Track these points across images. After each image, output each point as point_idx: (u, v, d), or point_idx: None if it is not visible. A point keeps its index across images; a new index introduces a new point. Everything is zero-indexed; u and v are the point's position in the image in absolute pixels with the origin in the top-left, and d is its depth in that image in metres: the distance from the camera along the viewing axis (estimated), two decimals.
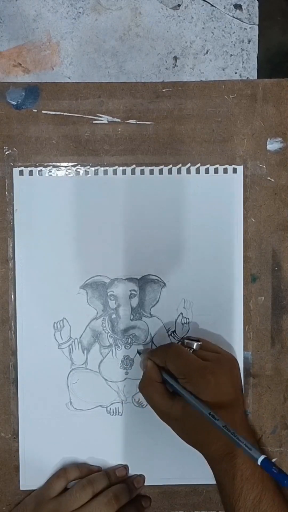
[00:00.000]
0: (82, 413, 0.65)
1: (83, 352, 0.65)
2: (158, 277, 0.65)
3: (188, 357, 0.59)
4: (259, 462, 0.51)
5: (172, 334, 0.66)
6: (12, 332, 0.65)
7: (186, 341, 0.61)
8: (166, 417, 0.60)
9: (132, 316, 0.65)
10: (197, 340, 0.61)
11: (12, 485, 0.65)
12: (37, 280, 0.65)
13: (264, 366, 0.66)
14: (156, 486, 0.65)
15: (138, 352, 0.65)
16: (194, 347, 0.60)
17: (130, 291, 0.65)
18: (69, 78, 0.65)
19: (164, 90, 0.65)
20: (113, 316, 0.65)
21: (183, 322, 0.66)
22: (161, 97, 0.65)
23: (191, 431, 0.58)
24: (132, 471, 0.65)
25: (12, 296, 0.64)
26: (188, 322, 0.66)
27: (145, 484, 0.65)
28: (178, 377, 0.58)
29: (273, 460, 0.66)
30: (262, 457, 0.51)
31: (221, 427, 0.54)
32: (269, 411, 0.66)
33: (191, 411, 0.56)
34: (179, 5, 0.65)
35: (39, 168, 0.64)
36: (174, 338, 0.66)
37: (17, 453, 0.65)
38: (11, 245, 0.64)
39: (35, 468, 0.65)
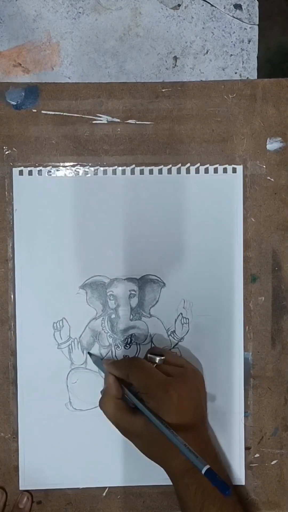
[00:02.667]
0: (82, 413, 0.65)
1: (83, 352, 0.65)
2: (158, 277, 0.65)
3: (151, 372, 0.59)
4: (203, 472, 0.52)
5: (172, 334, 0.65)
6: (12, 332, 0.65)
7: (149, 355, 0.61)
8: (127, 434, 0.60)
9: (131, 316, 0.65)
10: (161, 355, 0.61)
11: (11, 485, 0.65)
12: (36, 280, 0.65)
13: (265, 367, 0.66)
14: (156, 486, 0.65)
15: (89, 354, 0.65)
16: (157, 361, 0.60)
17: (129, 291, 0.65)
18: (69, 78, 0.65)
19: (163, 90, 0.65)
20: (113, 316, 0.65)
21: (182, 322, 0.65)
22: (161, 97, 0.65)
23: (153, 447, 0.58)
24: (132, 471, 0.65)
25: (12, 296, 0.64)
26: (188, 323, 0.65)
27: (145, 484, 0.65)
28: (140, 392, 0.58)
29: (274, 462, 0.66)
30: (206, 467, 0.52)
31: (175, 440, 0.54)
32: (270, 413, 0.66)
33: (152, 427, 0.56)
34: (179, 5, 0.65)
35: (38, 168, 0.64)
36: (174, 338, 0.65)
37: (17, 453, 0.65)
38: (10, 245, 0.64)
39: (34, 468, 0.65)
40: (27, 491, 0.65)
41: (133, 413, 0.59)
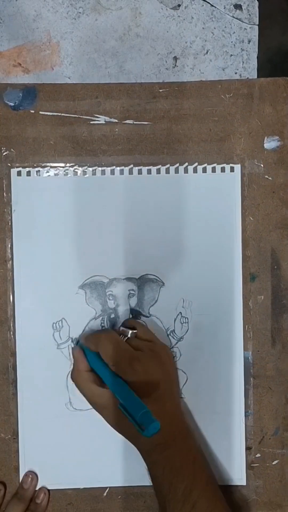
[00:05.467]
0: (82, 413, 0.65)
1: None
2: (157, 276, 0.65)
3: (119, 344, 0.59)
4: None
5: (171, 334, 0.65)
6: (11, 332, 0.65)
7: (121, 328, 0.62)
8: (96, 406, 0.61)
9: (131, 316, 0.65)
10: (133, 328, 0.62)
11: (12, 486, 0.65)
12: (35, 281, 0.65)
13: (265, 366, 0.66)
14: None
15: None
16: (129, 335, 0.61)
17: (128, 290, 0.65)
18: (69, 78, 0.65)
19: (161, 90, 0.65)
20: (112, 316, 0.65)
21: (182, 322, 0.65)
22: (158, 97, 0.65)
23: (120, 420, 0.58)
24: (132, 471, 0.65)
25: (11, 297, 0.65)
26: (187, 322, 0.65)
27: (146, 484, 0.65)
28: (108, 364, 0.59)
29: (275, 462, 0.66)
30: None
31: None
32: (271, 413, 0.66)
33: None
34: (179, 5, 0.65)
35: (36, 169, 0.65)
36: (174, 338, 0.65)
37: (17, 454, 0.65)
38: (9, 245, 0.65)
39: (34, 469, 0.65)
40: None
41: (101, 385, 0.60)
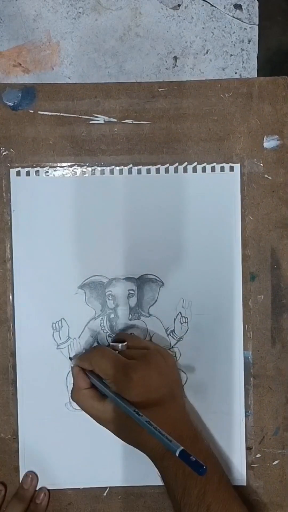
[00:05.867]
0: (82, 413, 0.64)
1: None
2: (156, 276, 0.65)
3: (112, 357, 0.59)
4: (177, 454, 0.51)
5: (171, 334, 0.65)
6: (11, 333, 0.65)
7: (111, 344, 0.62)
8: (100, 421, 0.60)
9: (130, 316, 0.65)
10: (123, 341, 0.62)
11: (12, 486, 0.65)
12: (35, 281, 0.65)
13: (265, 366, 0.66)
14: (157, 486, 0.64)
15: (70, 359, 0.65)
16: (120, 347, 0.61)
17: (128, 290, 0.65)
18: (69, 78, 0.65)
19: (160, 89, 0.65)
20: (112, 316, 0.65)
21: (182, 322, 0.65)
22: (157, 96, 0.65)
23: (127, 432, 0.59)
24: (132, 471, 0.65)
25: (10, 297, 0.65)
26: (187, 322, 0.65)
27: (146, 484, 0.65)
28: (104, 379, 0.59)
29: (275, 462, 0.65)
30: (180, 449, 0.51)
31: (141, 421, 0.54)
32: (271, 412, 0.66)
33: (121, 412, 0.57)
34: (179, 5, 0.65)
35: (36, 169, 0.65)
36: (173, 338, 0.65)
37: (17, 454, 0.65)
38: (8, 246, 0.65)
39: (35, 469, 0.65)
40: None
41: (102, 400, 0.60)
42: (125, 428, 0.58)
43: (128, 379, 0.57)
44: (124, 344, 0.62)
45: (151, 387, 0.58)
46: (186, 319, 0.65)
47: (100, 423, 0.61)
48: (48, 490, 0.65)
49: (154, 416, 0.55)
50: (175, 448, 0.51)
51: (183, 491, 0.56)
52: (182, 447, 0.51)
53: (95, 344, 0.65)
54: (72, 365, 0.64)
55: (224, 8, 0.66)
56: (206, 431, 0.65)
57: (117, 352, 0.61)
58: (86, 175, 0.65)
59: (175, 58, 0.66)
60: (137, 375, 0.58)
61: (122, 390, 0.57)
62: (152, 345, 0.64)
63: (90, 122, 0.65)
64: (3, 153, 0.64)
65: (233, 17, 0.66)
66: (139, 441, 0.58)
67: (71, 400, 0.64)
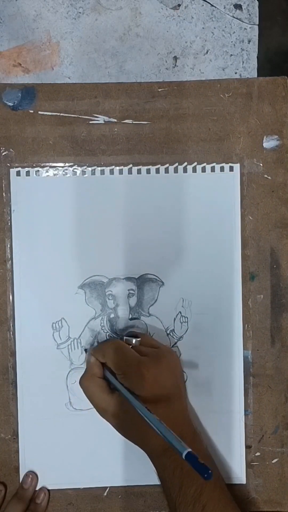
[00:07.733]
0: (82, 413, 0.65)
1: (82, 352, 0.65)
2: (156, 276, 0.65)
3: (126, 352, 0.60)
4: (183, 456, 0.50)
5: (171, 333, 0.65)
6: (11, 332, 0.65)
7: (125, 338, 0.62)
8: (104, 413, 0.60)
9: (130, 316, 0.65)
10: (136, 336, 0.62)
11: (12, 486, 0.65)
12: (35, 281, 0.65)
13: (264, 365, 0.66)
14: (157, 485, 0.64)
15: (85, 350, 0.65)
16: (133, 342, 0.61)
17: (128, 290, 0.65)
18: (69, 78, 0.65)
19: (159, 90, 0.65)
20: (112, 315, 0.65)
21: (181, 321, 0.65)
22: (157, 96, 0.65)
23: (129, 427, 0.59)
24: (132, 470, 0.65)
25: (10, 297, 0.65)
26: (187, 321, 0.65)
27: (146, 483, 0.65)
28: (116, 372, 0.59)
29: (275, 460, 0.66)
30: (187, 451, 0.50)
31: (148, 420, 0.54)
32: (270, 411, 0.66)
33: (128, 406, 0.57)
34: (179, 5, 0.65)
35: (36, 169, 0.64)
36: (173, 337, 0.65)
37: (17, 454, 0.65)
38: (8, 246, 0.64)
39: (35, 469, 0.65)
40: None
41: (110, 392, 0.60)
42: (127, 423, 0.59)
43: (140, 375, 0.57)
44: (138, 339, 0.61)
45: (161, 385, 0.59)
46: (186, 318, 0.65)
47: (102, 415, 0.61)
48: (48, 490, 0.65)
49: (159, 413, 0.55)
50: (182, 449, 0.51)
51: (179, 490, 0.56)
52: (189, 449, 0.50)
53: (95, 344, 0.65)
54: (87, 355, 0.64)
55: (224, 8, 0.66)
56: (206, 429, 0.66)
57: (130, 347, 0.61)
58: (86, 175, 0.65)
59: (175, 58, 0.66)
60: (149, 372, 0.58)
61: (133, 386, 0.57)
62: (161, 344, 0.64)
63: (90, 122, 0.65)
64: (3, 153, 0.64)
65: (233, 17, 0.66)
66: (141, 438, 0.58)
67: (71, 400, 0.65)
